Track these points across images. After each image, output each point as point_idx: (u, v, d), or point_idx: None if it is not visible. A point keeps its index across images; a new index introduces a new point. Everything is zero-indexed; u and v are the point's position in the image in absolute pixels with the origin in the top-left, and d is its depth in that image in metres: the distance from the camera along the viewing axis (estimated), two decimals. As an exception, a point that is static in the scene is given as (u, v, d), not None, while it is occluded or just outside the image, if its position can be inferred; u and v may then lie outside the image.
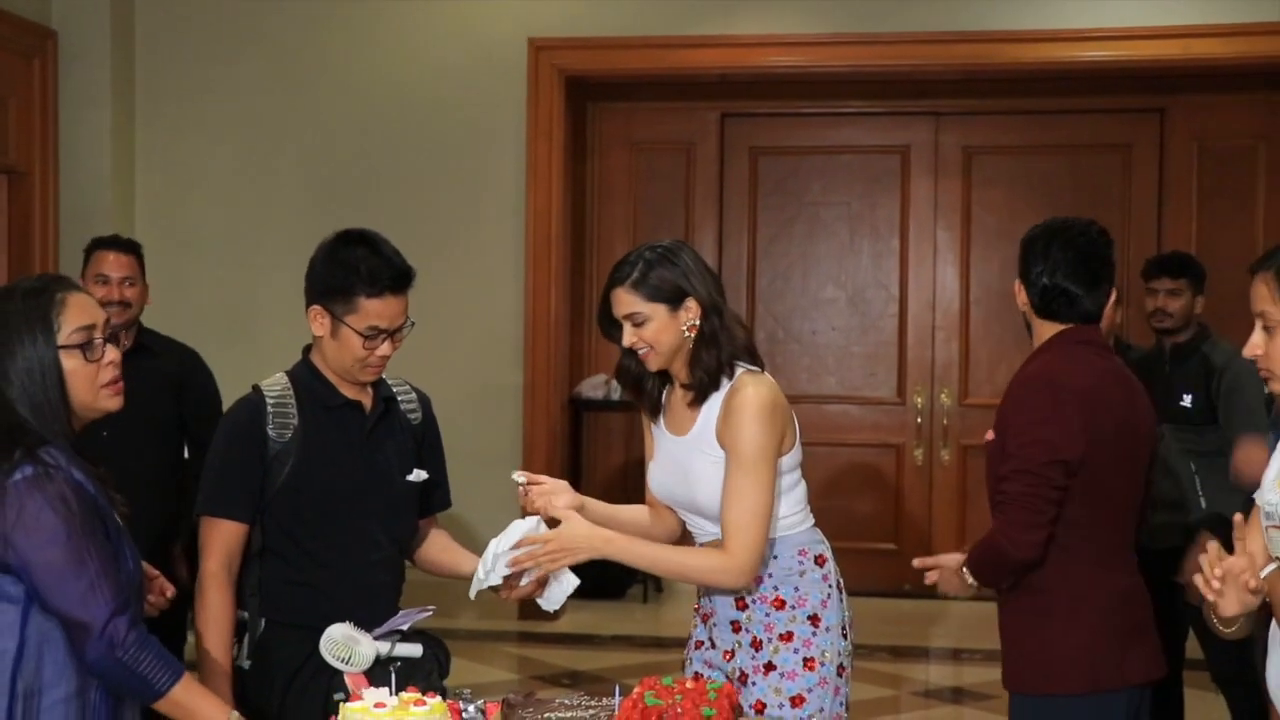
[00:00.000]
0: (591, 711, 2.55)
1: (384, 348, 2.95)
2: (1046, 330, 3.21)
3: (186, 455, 4.66)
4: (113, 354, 2.55)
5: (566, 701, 2.61)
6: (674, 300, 2.94)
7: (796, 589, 2.99)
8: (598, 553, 2.88)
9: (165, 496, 4.40)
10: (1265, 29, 6.74)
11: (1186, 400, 4.77)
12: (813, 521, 3.08)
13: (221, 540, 2.92)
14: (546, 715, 2.54)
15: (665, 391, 3.10)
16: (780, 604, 2.98)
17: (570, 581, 2.93)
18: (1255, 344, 2.44)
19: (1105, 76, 7.29)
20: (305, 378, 3.02)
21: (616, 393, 7.26)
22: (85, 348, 2.50)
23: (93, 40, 7.12)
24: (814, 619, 2.99)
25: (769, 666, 2.95)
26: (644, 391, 3.09)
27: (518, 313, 7.22)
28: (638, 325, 2.94)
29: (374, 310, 2.91)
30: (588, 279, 7.86)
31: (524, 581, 2.93)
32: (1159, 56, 6.95)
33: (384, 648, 2.87)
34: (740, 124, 7.99)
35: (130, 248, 4.55)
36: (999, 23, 6.97)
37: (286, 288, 7.17)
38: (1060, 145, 7.77)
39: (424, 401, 3.19)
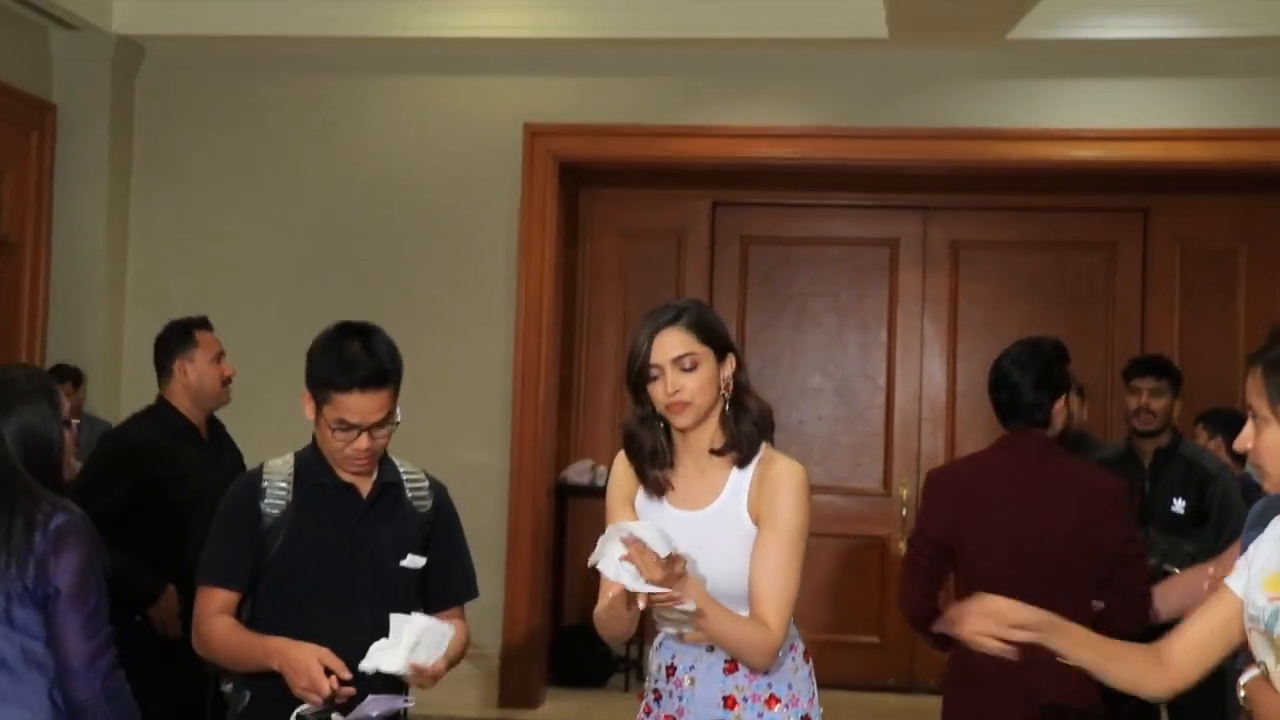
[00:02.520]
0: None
1: (361, 441, 2.94)
2: None
3: None
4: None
5: None
6: (722, 349, 2.81)
7: (790, 686, 2.84)
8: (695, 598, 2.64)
9: None
10: (1246, 134, 6.84)
11: (1178, 506, 4.79)
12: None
13: (217, 605, 2.97)
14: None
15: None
16: (774, 702, 2.81)
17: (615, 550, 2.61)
18: (1245, 437, 2.39)
19: (1091, 176, 7.37)
20: (308, 458, 3.06)
21: (602, 478, 7.23)
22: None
23: (92, 115, 7.17)
24: None
25: None
26: (659, 464, 2.83)
27: (506, 396, 7.21)
28: (688, 370, 2.76)
29: (344, 404, 2.92)
30: (577, 364, 7.88)
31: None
32: (1143, 158, 7.03)
33: None
34: (731, 213, 8.06)
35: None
36: (987, 120, 7.06)
37: (273, 367, 7.23)
38: (1046, 242, 7.85)
39: (438, 490, 3.18)
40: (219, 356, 4.53)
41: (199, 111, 7.45)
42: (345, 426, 2.93)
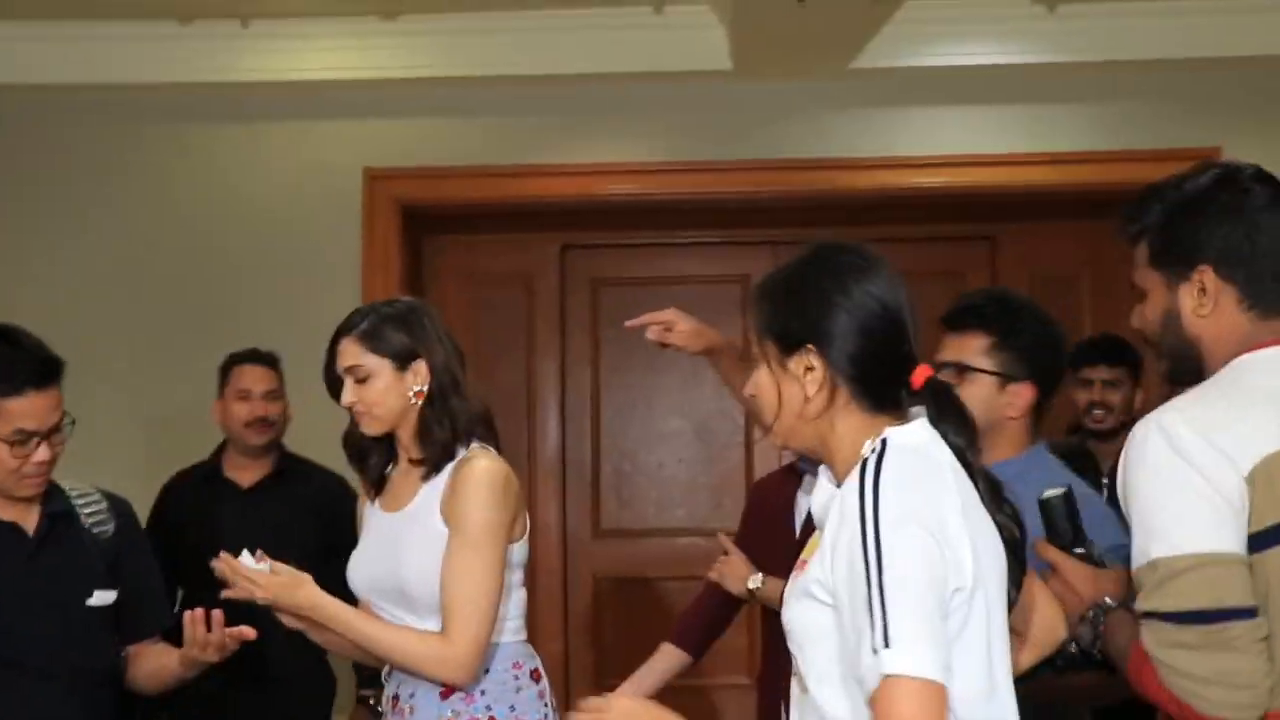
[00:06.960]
0: None
1: (40, 452, 2.61)
2: None
3: None
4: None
5: None
6: (402, 359, 2.76)
7: (513, 708, 2.70)
8: (303, 608, 2.56)
9: None
10: (1086, 157, 6.95)
11: None
12: (526, 635, 2.79)
13: None
14: None
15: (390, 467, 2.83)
16: None
17: None
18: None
19: (936, 203, 7.38)
20: None
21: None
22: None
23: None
24: None
25: None
26: (368, 464, 2.86)
27: (355, 448, 6.95)
28: (360, 381, 2.76)
29: (18, 410, 2.56)
30: (427, 414, 7.65)
31: None
32: (986, 183, 7.07)
33: None
34: (581, 255, 7.93)
35: (270, 361, 4.40)
36: (832, 150, 7.06)
37: (114, 409, 6.88)
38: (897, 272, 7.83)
39: (119, 510, 2.84)
40: (240, 394, 4.43)
41: (28, 153, 7.06)
42: (25, 436, 2.56)
